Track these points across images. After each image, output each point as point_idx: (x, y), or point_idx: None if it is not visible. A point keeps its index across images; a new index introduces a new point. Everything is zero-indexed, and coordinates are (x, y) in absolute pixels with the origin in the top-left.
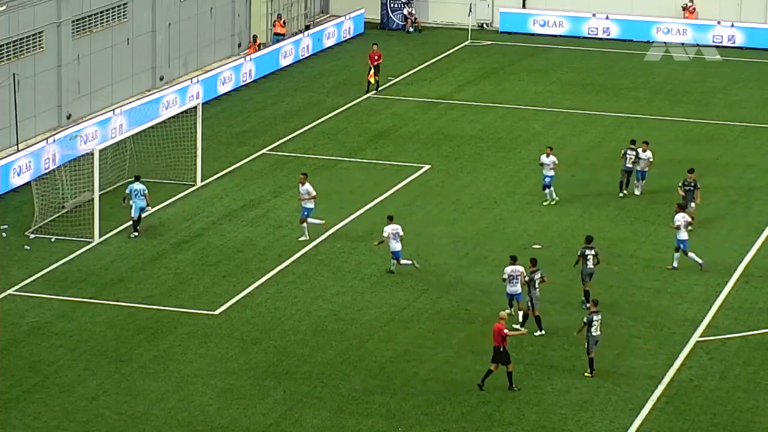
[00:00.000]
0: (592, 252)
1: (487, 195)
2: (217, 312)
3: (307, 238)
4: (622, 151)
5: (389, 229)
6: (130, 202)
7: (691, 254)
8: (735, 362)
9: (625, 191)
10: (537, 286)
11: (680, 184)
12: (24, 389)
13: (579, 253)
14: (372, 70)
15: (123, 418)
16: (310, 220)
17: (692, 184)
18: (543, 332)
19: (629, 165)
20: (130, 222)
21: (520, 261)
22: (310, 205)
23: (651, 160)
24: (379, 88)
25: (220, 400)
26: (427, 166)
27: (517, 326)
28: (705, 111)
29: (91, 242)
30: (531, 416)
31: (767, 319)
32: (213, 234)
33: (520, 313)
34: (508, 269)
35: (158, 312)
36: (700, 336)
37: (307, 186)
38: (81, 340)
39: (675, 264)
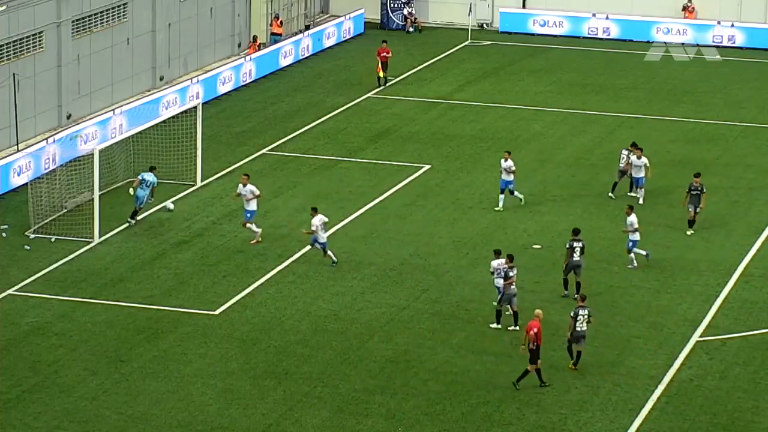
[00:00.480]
0: (580, 244)
1: (487, 195)
2: (217, 312)
3: (260, 239)
4: (620, 152)
5: (317, 221)
6: (131, 189)
7: (637, 250)
8: (735, 362)
9: (630, 193)
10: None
11: (687, 190)
12: (24, 389)
13: (567, 246)
14: (380, 65)
15: (123, 418)
16: (249, 225)
17: (699, 188)
18: (500, 326)
19: (621, 165)
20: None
21: (521, 260)
22: (253, 207)
23: (647, 165)
24: (387, 84)
25: (220, 400)
26: (427, 166)
27: (512, 327)
28: (705, 111)
29: (91, 242)
30: (531, 416)
31: (767, 319)
32: (213, 234)
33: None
34: (494, 263)
35: (158, 312)
36: (700, 336)
37: (250, 186)
38: (81, 340)
39: (635, 263)
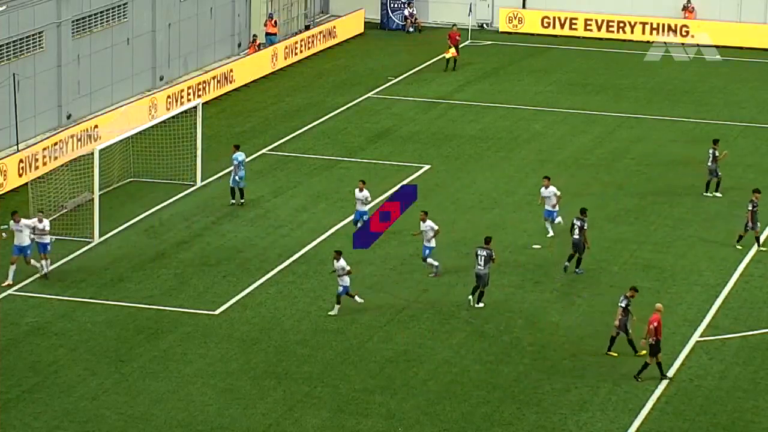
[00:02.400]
0: (578, 223)
1: (487, 195)
2: (217, 312)
3: (12, 283)
4: (708, 151)
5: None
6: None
7: (429, 260)
8: (735, 362)
9: (715, 193)
10: (481, 263)
11: (750, 208)
12: (24, 389)
13: (572, 223)
14: (452, 49)
15: (123, 418)
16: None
17: (757, 204)
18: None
19: (709, 164)
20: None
21: (521, 260)
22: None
23: (557, 194)
24: (455, 68)
25: (220, 400)
26: (427, 166)
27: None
28: (705, 111)
29: (91, 242)
30: (531, 416)
31: (767, 319)
32: (213, 234)
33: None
34: (336, 264)
35: (158, 312)
36: (700, 336)
37: (26, 222)
38: (81, 340)
39: (437, 269)
